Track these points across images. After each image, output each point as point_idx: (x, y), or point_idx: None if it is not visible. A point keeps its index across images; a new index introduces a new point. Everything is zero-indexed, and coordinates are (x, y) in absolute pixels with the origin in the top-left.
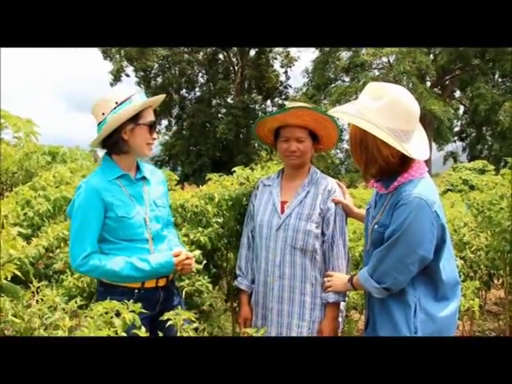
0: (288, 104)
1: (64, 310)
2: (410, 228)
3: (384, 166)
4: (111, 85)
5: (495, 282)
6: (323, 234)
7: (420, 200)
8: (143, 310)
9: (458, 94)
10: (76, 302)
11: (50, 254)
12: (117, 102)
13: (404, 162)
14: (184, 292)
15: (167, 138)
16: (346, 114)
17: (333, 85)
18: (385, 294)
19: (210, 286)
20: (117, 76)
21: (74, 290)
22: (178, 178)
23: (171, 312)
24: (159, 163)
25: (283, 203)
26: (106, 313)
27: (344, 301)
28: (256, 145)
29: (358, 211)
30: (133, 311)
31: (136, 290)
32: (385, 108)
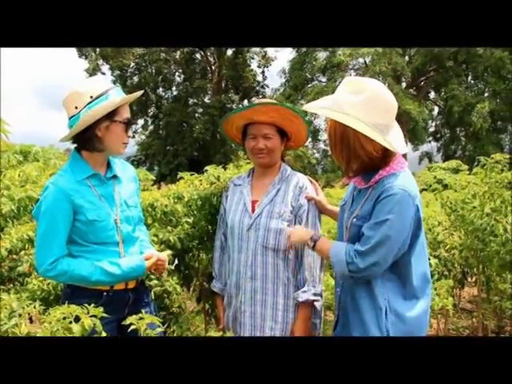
0: (255, 101)
1: (21, 315)
2: (392, 220)
3: (367, 161)
4: None
5: (469, 279)
6: None
7: (404, 192)
8: (104, 315)
9: (432, 95)
10: (35, 307)
11: (14, 257)
12: (92, 97)
13: (386, 157)
14: (153, 293)
15: (144, 137)
16: (326, 109)
17: (310, 85)
18: (347, 279)
19: (179, 288)
20: (92, 74)
21: (38, 294)
22: (154, 178)
23: (134, 316)
24: (136, 163)
25: (254, 202)
26: (65, 318)
27: (318, 301)
28: (233, 144)
29: (332, 208)
30: (94, 316)
31: (105, 293)
32: (366, 102)
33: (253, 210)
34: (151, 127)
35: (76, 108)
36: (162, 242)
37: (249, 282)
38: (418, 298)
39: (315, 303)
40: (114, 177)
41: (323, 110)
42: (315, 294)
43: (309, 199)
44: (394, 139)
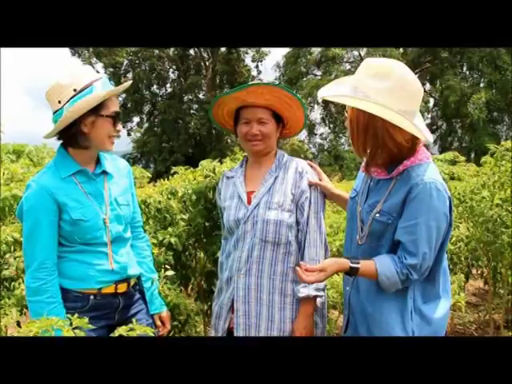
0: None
1: None
2: (433, 219)
3: (396, 152)
4: None
5: (473, 272)
6: (297, 222)
7: (437, 185)
8: (91, 326)
9: (428, 87)
10: (12, 319)
11: None
12: (75, 90)
13: (413, 146)
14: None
15: (139, 135)
16: (351, 98)
17: (304, 79)
18: (397, 287)
19: (189, 304)
20: None
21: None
22: (150, 176)
23: (123, 327)
24: (131, 161)
25: (250, 193)
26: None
27: (320, 296)
28: (229, 140)
29: (339, 192)
30: (78, 327)
31: (92, 296)
32: (394, 88)
33: (249, 202)
34: (146, 125)
35: (59, 102)
36: (163, 245)
37: (242, 278)
38: (442, 297)
39: (317, 299)
40: (104, 173)
41: (349, 99)
42: (317, 289)
43: (312, 185)
44: (421, 127)
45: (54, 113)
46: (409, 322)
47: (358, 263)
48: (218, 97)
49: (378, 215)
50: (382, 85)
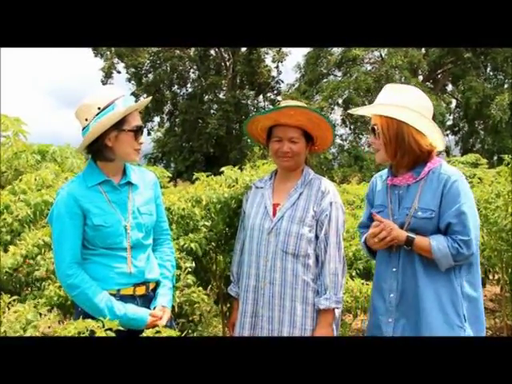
0: (282, 102)
1: (36, 327)
2: (471, 200)
3: (419, 154)
4: (102, 82)
5: (490, 277)
6: (317, 237)
7: (461, 174)
8: (121, 328)
9: (449, 87)
10: (50, 319)
11: (31, 262)
12: (99, 108)
13: (431, 150)
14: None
15: (160, 134)
16: (384, 106)
17: (325, 80)
18: (449, 261)
19: (206, 298)
20: (108, 73)
21: (55, 300)
22: (170, 175)
23: (151, 330)
24: (152, 160)
25: (275, 206)
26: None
27: (338, 308)
28: (248, 140)
29: None
30: (109, 329)
31: (112, 297)
32: (414, 99)
33: (274, 214)
34: (167, 124)
35: (86, 120)
36: (183, 250)
37: (267, 287)
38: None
39: (335, 310)
40: (130, 183)
41: (380, 107)
42: (337, 302)
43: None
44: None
45: (83, 129)
46: (460, 308)
47: (414, 236)
48: (252, 116)
49: (419, 213)
50: (405, 97)
